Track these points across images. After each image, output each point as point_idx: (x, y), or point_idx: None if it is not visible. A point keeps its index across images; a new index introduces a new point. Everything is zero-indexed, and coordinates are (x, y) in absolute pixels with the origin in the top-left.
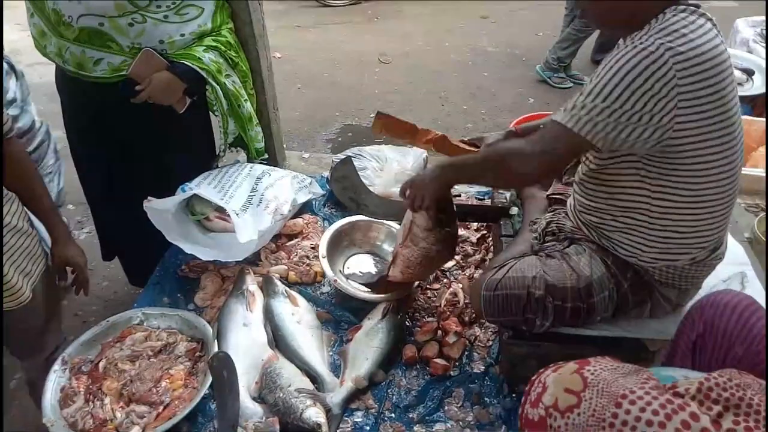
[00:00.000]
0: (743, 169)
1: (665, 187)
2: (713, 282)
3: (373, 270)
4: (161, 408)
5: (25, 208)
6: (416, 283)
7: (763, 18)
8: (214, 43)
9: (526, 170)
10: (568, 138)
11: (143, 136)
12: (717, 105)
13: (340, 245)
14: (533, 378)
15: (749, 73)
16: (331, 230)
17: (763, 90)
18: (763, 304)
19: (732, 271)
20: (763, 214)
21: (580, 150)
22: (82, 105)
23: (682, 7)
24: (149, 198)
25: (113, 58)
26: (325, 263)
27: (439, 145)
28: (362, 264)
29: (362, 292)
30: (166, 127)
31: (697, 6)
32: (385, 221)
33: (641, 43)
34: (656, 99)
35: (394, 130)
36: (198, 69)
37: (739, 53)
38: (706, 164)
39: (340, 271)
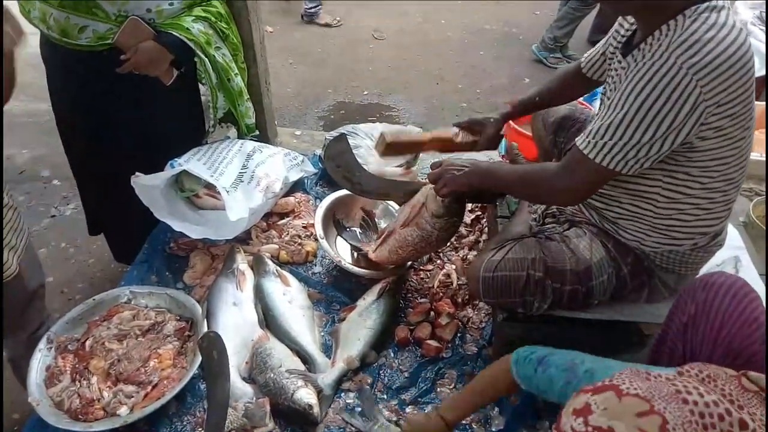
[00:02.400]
0: None
1: (677, 179)
2: (707, 266)
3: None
4: (149, 388)
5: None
6: (408, 264)
7: (763, 0)
8: (204, 14)
9: (560, 201)
10: (599, 172)
11: (129, 108)
12: (740, 106)
13: (331, 222)
14: (561, 425)
15: None
16: (322, 208)
17: (762, 72)
18: (757, 287)
19: (727, 255)
20: (758, 198)
21: (608, 177)
22: (66, 74)
23: (703, 6)
24: (137, 173)
25: (98, 25)
26: (325, 245)
27: (441, 148)
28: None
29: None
30: (153, 100)
31: None
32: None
33: (661, 64)
34: (684, 121)
35: (401, 150)
36: (186, 40)
37: None
38: (721, 159)
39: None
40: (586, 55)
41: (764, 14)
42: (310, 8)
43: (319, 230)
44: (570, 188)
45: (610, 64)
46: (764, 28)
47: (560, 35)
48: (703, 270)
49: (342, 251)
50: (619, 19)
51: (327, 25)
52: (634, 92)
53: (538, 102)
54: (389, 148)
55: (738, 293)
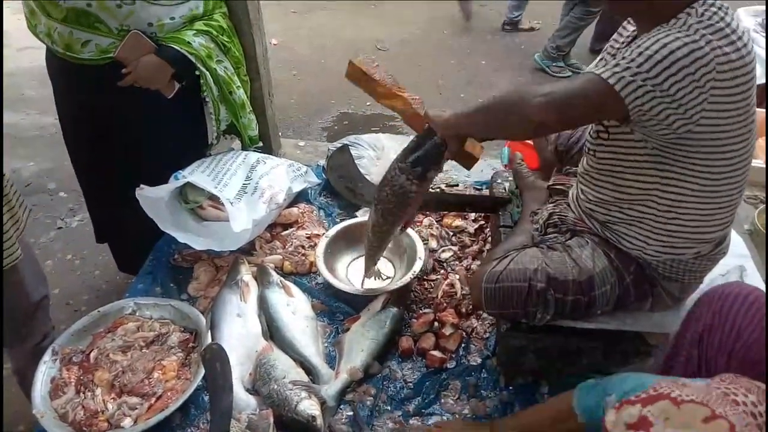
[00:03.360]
0: None
1: (675, 179)
2: (711, 276)
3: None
4: (153, 399)
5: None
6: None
7: (764, 8)
8: (205, 28)
9: (543, 115)
10: (604, 92)
11: (133, 120)
12: (741, 108)
13: (339, 246)
14: None
15: None
16: (331, 233)
17: (763, 80)
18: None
19: (731, 263)
20: (763, 206)
21: (607, 108)
22: (71, 88)
23: (711, 2)
24: (141, 186)
25: (101, 39)
26: (325, 272)
27: (409, 119)
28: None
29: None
30: (156, 113)
31: None
32: None
33: (685, 31)
34: (693, 86)
35: (364, 84)
36: (186, 53)
37: None
38: (719, 160)
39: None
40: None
41: (765, 21)
42: (515, 16)
43: (321, 266)
44: (555, 93)
45: None
46: (765, 35)
47: (563, 44)
48: (707, 280)
49: (351, 274)
50: (620, 28)
51: (531, 29)
52: (659, 39)
53: None
54: (354, 75)
55: (754, 303)
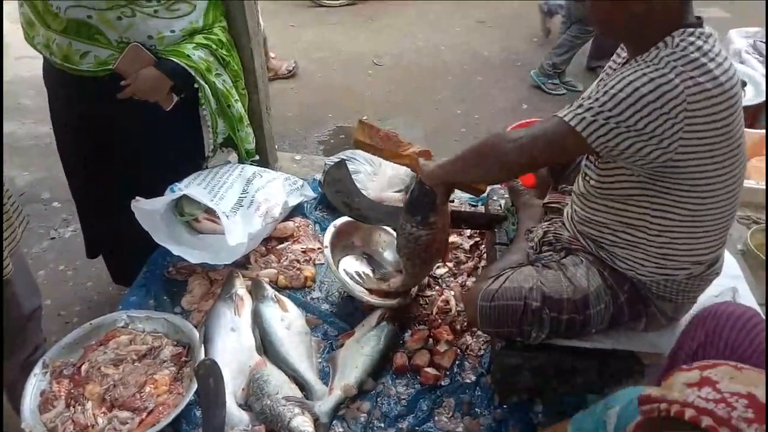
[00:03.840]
0: None
1: (665, 205)
2: (704, 297)
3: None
4: (145, 414)
5: None
6: (414, 291)
7: (756, 29)
8: (205, 41)
9: (513, 158)
10: (566, 133)
11: (130, 132)
12: (723, 134)
13: (338, 244)
14: (673, 398)
15: (742, 84)
16: (330, 233)
17: (756, 101)
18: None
19: (724, 284)
20: (756, 226)
21: (574, 149)
22: (68, 99)
23: (690, 30)
24: (137, 198)
25: (100, 51)
26: (335, 270)
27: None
28: (357, 265)
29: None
30: (154, 125)
31: (701, 24)
32: (386, 228)
33: (654, 65)
34: (664, 118)
35: (374, 142)
36: (186, 66)
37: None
38: (707, 187)
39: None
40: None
41: (759, 43)
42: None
43: (329, 257)
44: (522, 138)
45: None
46: (759, 57)
47: (559, 62)
48: (701, 300)
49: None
50: (618, 50)
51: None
52: (625, 77)
53: None
54: (362, 128)
55: (748, 323)
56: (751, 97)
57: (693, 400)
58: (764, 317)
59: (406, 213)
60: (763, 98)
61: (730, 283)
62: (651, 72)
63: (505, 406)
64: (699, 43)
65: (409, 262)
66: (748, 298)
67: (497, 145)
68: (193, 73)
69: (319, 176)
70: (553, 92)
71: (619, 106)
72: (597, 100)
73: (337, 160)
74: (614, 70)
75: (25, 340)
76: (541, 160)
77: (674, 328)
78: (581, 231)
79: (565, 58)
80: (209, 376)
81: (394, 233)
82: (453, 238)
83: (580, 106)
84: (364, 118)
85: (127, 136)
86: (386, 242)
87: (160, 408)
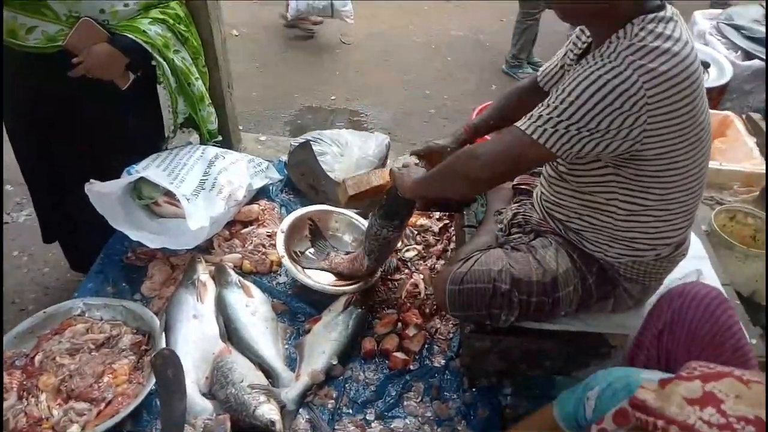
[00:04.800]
0: None
1: (633, 190)
2: (670, 278)
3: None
4: (103, 405)
5: None
6: (378, 275)
7: (719, 11)
8: (161, 16)
9: (482, 174)
10: (528, 145)
11: (83, 113)
12: (687, 117)
13: (299, 236)
14: (671, 416)
15: (705, 65)
16: (288, 221)
17: (719, 82)
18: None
19: (689, 266)
20: (719, 207)
21: (540, 159)
22: (14, 77)
23: (651, 16)
24: (91, 180)
25: (48, 26)
26: (288, 264)
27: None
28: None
29: (323, 284)
30: (109, 105)
31: (662, 7)
32: (344, 210)
33: (609, 61)
34: (624, 116)
35: (363, 198)
36: (142, 43)
37: (696, 46)
38: (674, 170)
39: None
40: (542, 68)
41: (722, 25)
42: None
43: (281, 249)
44: (491, 154)
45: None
46: (721, 39)
47: (517, 52)
48: (666, 282)
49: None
50: (577, 30)
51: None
52: (580, 82)
53: (492, 124)
54: (352, 198)
55: (712, 303)
56: (714, 78)
57: (694, 422)
58: (728, 297)
59: (383, 219)
60: (726, 80)
61: (695, 265)
62: (605, 72)
63: (474, 390)
64: (659, 29)
65: (375, 262)
66: (712, 279)
67: (464, 164)
68: (149, 50)
69: (284, 157)
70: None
71: (577, 113)
72: (556, 108)
73: (302, 141)
74: (572, 59)
75: None
76: (507, 174)
77: (640, 310)
78: (550, 213)
79: (521, 46)
80: (167, 366)
81: (355, 215)
82: (422, 220)
83: (540, 117)
84: (350, 192)
85: (81, 117)
86: (344, 225)
87: (120, 398)
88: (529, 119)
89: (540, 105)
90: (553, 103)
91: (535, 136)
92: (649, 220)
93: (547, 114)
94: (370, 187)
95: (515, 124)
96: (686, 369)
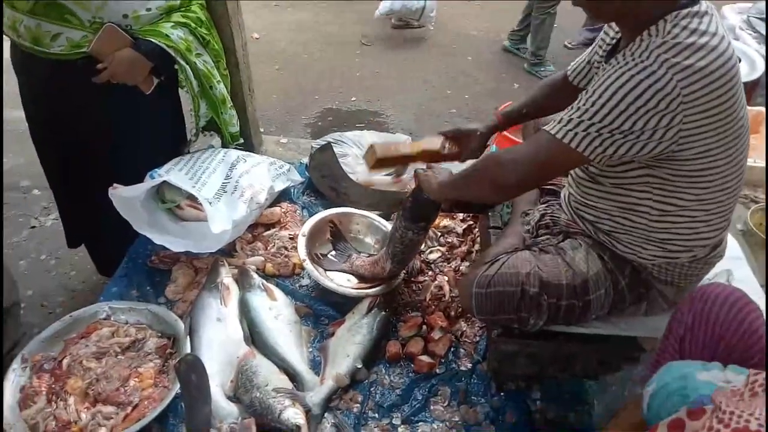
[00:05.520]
0: None
1: (668, 190)
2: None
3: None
4: (129, 409)
5: None
6: (401, 277)
7: (749, 5)
8: (183, 20)
9: (510, 180)
10: (559, 150)
11: (108, 118)
12: (725, 115)
13: (320, 239)
14: None
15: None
16: (309, 225)
17: (751, 77)
18: (756, 298)
19: (720, 266)
20: (755, 205)
21: (572, 163)
22: (39, 85)
23: (684, 12)
24: (115, 185)
25: (72, 33)
26: (310, 267)
27: (429, 159)
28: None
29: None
30: (133, 110)
31: (696, 1)
32: (365, 213)
33: (641, 61)
34: (660, 116)
35: (390, 164)
36: (165, 47)
37: None
38: (712, 170)
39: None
40: (572, 63)
41: (753, 19)
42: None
43: (302, 253)
44: (516, 161)
45: (595, 73)
46: (752, 33)
47: (535, 49)
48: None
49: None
50: (605, 27)
51: None
52: (612, 83)
53: (525, 113)
54: (379, 162)
55: (736, 304)
56: (746, 73)
57: None
58: (760, 298)
59: (408, 221)
60: (758, 75)
61: (729, 264)
62: (638, 72)
63: (502, 394)
64: (693, 25)
65: (398, 265)
66: (750, 279)
67: (492, 170)
68: (173, 54)
69: (306, 160)
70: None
71: (609, 115)
72: (586, 111)
73: (323, 143)
74: (602, 56)
75: (5, 333)
76: (537, 180)
77: None
78: (579, 214)
79: (539, 42)
80: (191, 372)
81: (377, 217)
82: (445, 222)
83: (570, 120)
84: (378, 153)
85: (105, 122)
86: (365, 228)
87: (146, 402)
88: (559, 123)
89: (569, 108)
90: (584, 105)
91: (566, 141)
92: (685, 221)
93: (578, 117)
94: (398, 155)
95: (544, 128)
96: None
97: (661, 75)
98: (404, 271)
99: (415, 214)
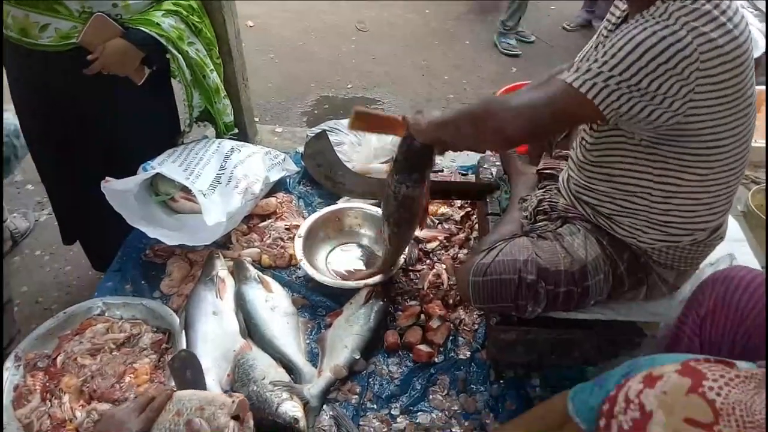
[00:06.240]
0: None
1: (670, 170)
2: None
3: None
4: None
5: None
6: (399, 264)
7: None
8: (174, 8)
9: (515, 125)
10: (576, 101)
11: (99, 110)
12: (736, 90)
13: (317, 238)
14: (613, 394)
15: None
16: (305, 227)
17: (753, 56)
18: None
19: (721, 251)
20: (756, 186)
21: (583, 117)
22: (29, 77)
23: None
24: (107, 178)
25: (61, 23)
26: (307, 266)
27: None
28: (346, 256)
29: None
30: (124, 101)
31: None
32: (359, 205)
33: (663, 20)
34: (674, 80)
35: (373, 126)
36: (156, 36)
37: None
38: (716, 149)
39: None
40: (579, 54)
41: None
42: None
43: (299, 253)
44: (526, 106)
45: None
46: (753, 11)
47: (506, 18)
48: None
49: (332, 263)
50: (612, 5)
51: None
52: (634, 36)
53: None
54: (358, 118)
55: (758, 288)
56: None
57: (628, 386)
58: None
59: (401, 174)
60: (759, 53)
61: (730, 247)
62: (660, 29)
63: (501, 382)
64: None
65: (396, 228)
66: (750, 261)
67: (495, 114)
68: (164, 43)
69: (301, 149)
70: (506, 51)
71: (630, 69)
72: (605, 63)
73: (318, 131)
74: (611, 30)
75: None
76: (544, 132)
77: (675, 297)
78: (579, 198)
79: (510, 13)
80: (186, 368)
81: (374, 209)
82: (443, 209)
83: (588, 70)
84: (356, 109)
85: (97, 115)
86: (361, 219)
87: None
88: (576, 72)
89: (585, 59)
90: (602, 57)
91: (583, 90)
92: (685, 204)
93: (597, 68)
94: (380, 115)
95: (559, 77)
96: (709, 366)
97: (683, 36)
98: (404, 256)
99: (407, 164)
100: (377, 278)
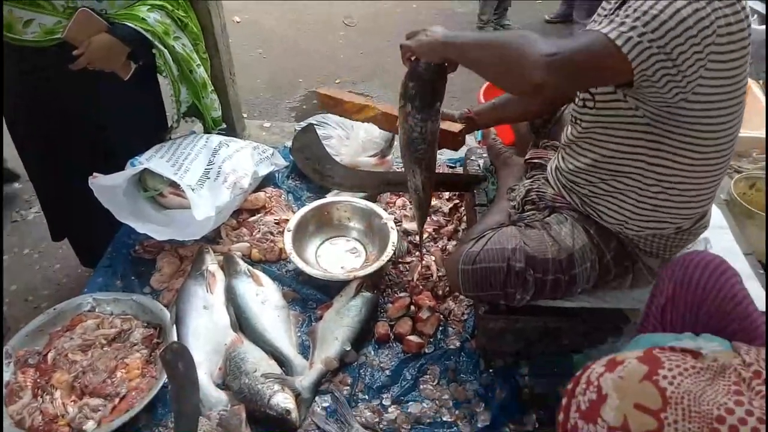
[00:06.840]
0: None
1: (664, 152)
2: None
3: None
4: (117, 400)
5: None
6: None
7: None
8: (159, 2)
9: (542, 66)
10: (609, 53)
11: (85, 106)
12: (735, 74)
13: (306, 232)
14: (578, 374)
15: None
16: (294, 221)
17: None
18: (737, 266)
19: (707, 235)
20: (738, 175)
21: (614, 73)
22: (12, 73)
23: None
24: (95, 174)
25: (45, 18)
26: (296, 260)
27: (381, 123)
28: (335, 249)
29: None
30: (111, 96)
31: None
32: (348, 198)
33: None
34: (692, 51)
35: (335, 108)
36: (142, 31)
37: None
38: (708, 133)
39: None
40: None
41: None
42: None
43: (288, 247)
44: (559, 46)
45: None
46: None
47: (480, 12)
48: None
49: (322, 257)
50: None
51: None
52: None
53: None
54: (321, 100)
55: (716, 270)
56: None
57: (591, 368)
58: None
59: (421, 111)
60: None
61: (716, 235)
62: None
63: (491, 371)
64: None
65: (428, 173)
66: (734, 249)
67: (527, 56)
68: (150, 38)
69: (289, 144)
70: None
71: (660, 29)
72: (639, 19)
73: (305, 125)
74: (609, 12)
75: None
76: (575, 80)
77: None
78: (566, 185)
79: (482, 7)
80: (178, 361)
81: (362, 202)
82: (432, 201)
83: (623, 23)
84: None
85: (83, 110)
86: (350, 213)
87: (133, 393)
88: (611, 24)
89: (616, 13)
90: (634, 13)
91: (619, 42)
92: (675, 188)
93: (632, 22)
94: (343, 97)
95: (592, 27)
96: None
97: (704, 5)
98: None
99: (426, 93)
100: (365, 271)
